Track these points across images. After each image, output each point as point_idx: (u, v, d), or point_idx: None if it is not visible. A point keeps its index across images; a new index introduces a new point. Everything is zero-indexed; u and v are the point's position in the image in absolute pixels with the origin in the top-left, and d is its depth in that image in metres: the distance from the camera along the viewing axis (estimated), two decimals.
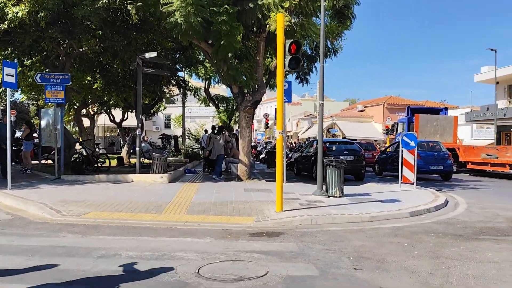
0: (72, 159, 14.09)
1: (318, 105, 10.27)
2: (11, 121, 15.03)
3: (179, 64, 19.05)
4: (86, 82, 18.88)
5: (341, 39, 13.69)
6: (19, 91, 23.47)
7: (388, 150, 18.88)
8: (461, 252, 5.32)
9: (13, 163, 12.61)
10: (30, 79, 17.16)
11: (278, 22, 7.49)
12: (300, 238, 5.94)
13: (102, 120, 40.63)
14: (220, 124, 25.96)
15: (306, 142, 26.42)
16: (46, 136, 14.36)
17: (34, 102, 29.27)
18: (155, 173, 12.70)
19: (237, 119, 21.91)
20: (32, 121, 26.97)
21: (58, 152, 12.73)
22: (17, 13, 9.94)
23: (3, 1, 10.29)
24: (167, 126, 56.78)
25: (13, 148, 13.29)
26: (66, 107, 23.32)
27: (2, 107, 31.65)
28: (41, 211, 7.61)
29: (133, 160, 16.71)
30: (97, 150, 19.23)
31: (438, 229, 6.77)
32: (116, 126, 29.20)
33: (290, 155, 18.95)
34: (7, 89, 9.97)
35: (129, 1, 11.40)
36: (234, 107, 25.49)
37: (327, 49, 13.54)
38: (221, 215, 7.42)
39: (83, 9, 10.67)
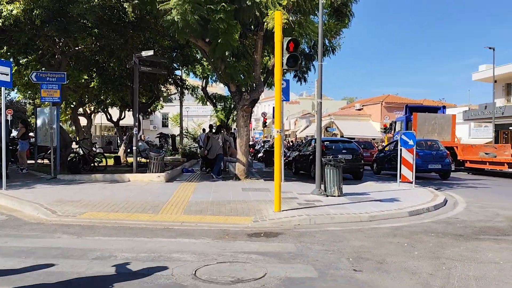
0: (69, 159, 13.98)
1: (316, 104, 10.20)
2: (8, 120, 14.95)
3: (176, 62, 18.95)
4: (83, 81, 18.78)
5: (340, 38, 13.63)
6: (15, 90, 23.35)
7: (386, 149, 18.83)
8: (461, 252, 5.26)
9: (9, 162, 12.49)
10: (26, 78, 17.05)
11: (276, 19, 7.41)
12: (298, 239, 5.87)
13: (99, 119, 40.52)
14: (218, 123, 25.89)
15: (304, 141, 26.38)
16: (42, 136, 14.25)
17: (30, 101, 29.12)
18: (152, 172, 12.60)
19: (235, 118, 21.84)
20: (29, 120, 26.89)
21: (54, 152, 12.62)
22: (11, 11, 9.82)
23: None
24: (164, 125, 56.64)
25: (10, 147, 13.16)
26: (62, 106, 23.22)
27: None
28: (36, 211, 7.51)
29: (130, 160, 16.59)
30: (94, 149, 19.14)
31: (438, 228, 6.71)
32: (113, 125, 29.09)
33: (288, 154, 18.88)
34: (2, 88, 9.83)
35: None
36: (232, 106, 25.37)
37: (325, 48, 13.48)
38: (218, 215, 7.34)
39: (79, 7, 10.56)
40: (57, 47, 13.71)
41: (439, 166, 15.96)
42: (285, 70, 8.08)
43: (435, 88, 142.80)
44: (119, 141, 27.86)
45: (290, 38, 7.80)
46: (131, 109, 18.07)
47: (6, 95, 29.25)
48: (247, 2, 10.61)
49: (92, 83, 18.64)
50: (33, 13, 10.13)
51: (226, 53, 11.50)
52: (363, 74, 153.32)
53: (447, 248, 5.44)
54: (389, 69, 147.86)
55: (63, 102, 20.59)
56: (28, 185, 10.72)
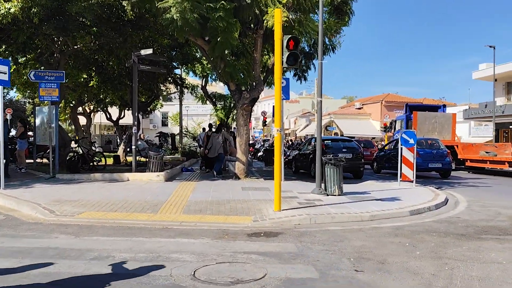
0: (68, 158, 13.91)
1: (317, 102, 10.13)
2: (7, 119, 14.90)
3: (175, 61, 18.88)
4: (82, 80, 18.72)
5: (340, 36, 13.56)
6: (14, 89, 23.29)
7: (386, 147, 18.77)
8: (464, 252, 5.19)
9: (8, 162, 12.43)
10: (25, 77, 16.99)
11: (276, 17, 7.33)
12: (299, 238, 5.81)
13: (99, 118, 40.48)
14: (217, 122, 25.83)
15: (303, 140, 26.33)
16: (41, 135, 14.20)
17: (30, 101, 29.06)
18: (152, 171, 12.54)
19: (234, 117, 21.78)
20: (28, 119, 26.80)
21: (53, 151, 12.56)
22: (9, 9, 9.74)
23: None
24: (164, 124, 56.59)
25: (9, 146, 13.10)
26: (62, 105, 23.16)
27: None
28: (34, 211, 7.44)
29: (129, 159, 16.53)
30: (93, 148, 19.06)
31: (440, 228, 6.65)
32: (112, 124, 29.04)
33: (288, 153, 18.82)
34: (0, 87, 9.76)
35: None
36: (232, 104, 25.33)
37: (325, 46, 13.41)
38: (218, 214, 7.27)
39: (77, 5, 10.49)
40: (56, 45, 13.64)
41: (440, 165, 15.90)
42: (285, 69, 8.02)
43: (434, 88, 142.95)
44: (118, 140, 27.80)
45: (290, 36, 7.73)
46: (130, 108, 18.03)
47: (5, 94, 29.16)
48: (247, 0, 10.53)
49: (91, 82, 18.57)
50: (31, 11, 10.06)
51: (226, 52, 11.43)
52: (363, 73, 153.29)
53: (449, 248, 5.37)
54: (388, 68, 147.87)
55: (62, 101, 20.54)
56: (26, 184, 10.65)
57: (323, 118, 35.42)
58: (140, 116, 26.46)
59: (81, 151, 14.18)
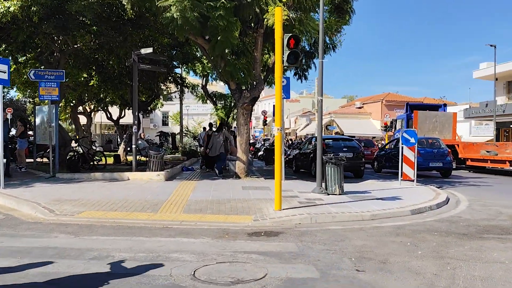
0: (68, 157, 13.88)
1: (317, 101, 10.10)
2: (8, 119, 14.88)
3: (176, 60, 18.84)
4: (82, 79, 18.68)
5: (340, 35, 13.52)
6: (15, 89, 23.26)
7: (387, 147, 18.74)
8: (466, 251, 5.16)
9: (9, 161, 12.41)
10: (25, 77, 16.94)
11: (277, 15, 7.30)
12: (299, 238, 5.78)
13: (99, 117, 40.45)
14: (218, 122, 25.80)
15: (303, 139, 26.28)
16: (41, 134, 14.17)
17: (30, 100, 29.04)
18: (152, 171, 12.51)
19: (235, 116, 21.74)
20: (29, 119, 26.77)
21: (53, 150, 12.54)
22: (8, 7, 9.71)
23: None
24: (164, 123, 56.58)
25: (9, 146, 13.08)
26: (62, 104, 23.13)
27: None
28: (33, 210, 7.42)
29: (130, 158, 16.50)
30: (93, 147, 19.03)
31: (441, 227, 6.62)
32: (113, 123, 29.00)
33: (288, 152, 18.79)
34: (0, 86, 9.73)
35: None
36: (232, 104, 25.29)
37: (325, 45, 13.36)
38: (218, 214, 7.24)
39: (77, 3, 10.45)
40: (56, 45, 13.61)
41: (440, 164, 15.87)
42: (285, 67, 7.99)
43: (435, 87, 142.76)
44: (119, 140, 27.77)
45: (290, 34, 7.70)
46: (131, 108, 17.99)
47: (5, 93, 29.11)
48: None
49: (92, 81, 18.54)
50: (31, 10, 10.03)
51: (226, 51, 11.38)
52: (363, 73, 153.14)
53: (451, 248, 5.34)
54: (389, 68, 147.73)
55: (62, 101, 20.51)
56: (26, 183, 10.63)
57: (324, 117, 35.41)
58: (141, 116, 26.41)
59: (81, 151, 14.16)
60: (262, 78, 13.52)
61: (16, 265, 4.40)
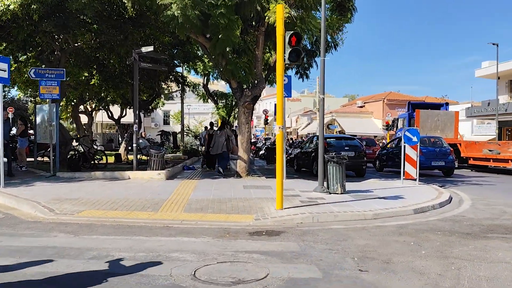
0: (68, 156, 13.85)
1: (319, 100, 10.03)
2: (9, 118, 14.84)
3: (177, 59, 18.78)
4: (83, 78, 18.64)
5: (342, 33, 13.43)
6: (15, 88, 23.24)
7: (389, 146, 18.66)
8: (470, 251, 5.09)
9: (10, 160, 12.38)
10: (26, 76, 16.89)
11: (278, 13, 7.22)
12: (301, 237, 5.71)
13: (101, 117, 40.43)
14: (219, 121, 25.74)
15: (305, 139, 26.21)
16: (42, 133, 14.12)
17: (32, 99, 29.02)
18: (153, 170, 12.45)
19: (236, 115, 21.67)
20: (30, 118, 26.73)
21: (53, 149, 12.49)
22: (8, 5, 9.65)
23: None
24: (166, 122, 56.59)
25: (10, 145, 13.04)
26: (63, 103, 23.09)
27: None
28: (33, 209, 7.37)
29: (131, 157, 16.47)
30: (94, 146, 18.98)
31: (444, 226, 6.54)
32: (114, 123, 28.97)
33: (289, 151, 18.72)
34: (0, 84, 9.68)
35: None
36: (233, 103, 25.24)
37: (327, 43, 13.27)
38: (219, 213, 7.18)
39: (77, 1, 10.38)
40: (56, 43, 13.55)
41: (443, 163, 15.79)
42: (287, 65, 7.90)
43: (435, 87, 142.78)
44: (120, 139, 27.75)
45: (292, 32, 7.62)
46: (132, 107, 17.94)
47: (6, 92, 29.09)
48: None
49: (93, 80, 18.49)
50: (31, 8, 9.97)
51: (227, 49, 11.31)
52: (364, 72, 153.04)
53: (455, 247, 5.27)
54: (389, 68, 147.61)
55: (63, 100, 20.46)
56: (26, 182, 10.58)
57: (325, 116, 35.31)
58: (142, 115, 26.37)
59: (82, 150, 14.12)
60: (264, 76, 13.45)
61: (14, 264, 4.35)
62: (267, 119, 34.19)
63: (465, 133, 32.32)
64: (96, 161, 14.48)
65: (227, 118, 26.64)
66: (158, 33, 14.99)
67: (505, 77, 31.07)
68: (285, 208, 7.30)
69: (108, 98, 22.33)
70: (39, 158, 15.78)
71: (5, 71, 9.55)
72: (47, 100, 12.70)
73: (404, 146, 11.65)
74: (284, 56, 7.43)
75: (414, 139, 11.41)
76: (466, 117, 32.86)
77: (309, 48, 15.16)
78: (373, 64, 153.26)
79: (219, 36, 10.64)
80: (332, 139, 16.17)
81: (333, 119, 44.66)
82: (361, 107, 49.15)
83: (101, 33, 13.24)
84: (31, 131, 17.80)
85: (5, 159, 11.38)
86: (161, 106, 33.71)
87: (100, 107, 27.56)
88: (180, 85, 21.69)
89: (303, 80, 19.25)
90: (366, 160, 15.54)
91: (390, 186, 11.03)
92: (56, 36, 13.23)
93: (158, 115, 54.18)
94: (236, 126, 21.34)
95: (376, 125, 44.10)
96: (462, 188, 11.71)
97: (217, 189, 10.00)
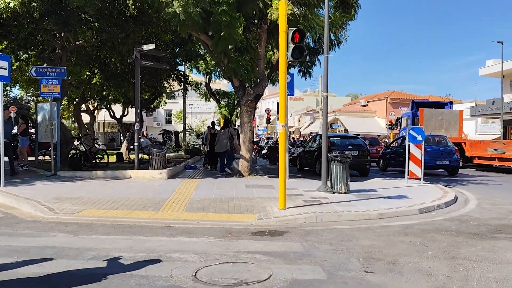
0: (70, 155, 13.77)
1: (322, 98, 9.90)
2: (11, 117, 14.77)
3: (179, 58, 18.67)
4: (85, 77, 18.55)
5: (345, 30, 13.30)
6: (17, 87, 23.19)
7: (392, 145, 18.51)
8: (478, 252, 4.96)
9: (12, 159, 12.31)
10: (27, 74, 16.81)
11: (281, 9, 7.11)
12: (304, 237, 5.60)
13: (103, 116, 40.37)
14: (221, 120, 25.64)
15: (307, 138, 26.08)
16: (43, 132, 14.04)
17: (34, 98, 28.99)
18: (154, 169, 12.36)
19: (238, 114, 21.56)
20: (32, 117, 26.70)
21: (54, 148, 12.41)
22: (9, 3, 9.55)
23: None
24: (168, 122, 56.54)
25: (11, 144, 12.97)
26: (65, 102, 23.02)
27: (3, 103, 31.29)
28: (33, 208, 7.28)
29: (132, 156, 16.38)
30: (96, 145, 18.92)
31: (451, 226, 6.41)
32: (116, 122, 28.90)
33: (292, 151, 18.60)
34: (0, 83, 9.61)
35: None
36: (236, 102, 25.13)
37: (330, 41, 13.14)
38: (221, 212, 7.08)
39: None
40: (58, 41, 13.46)
41: (447, 162, 15.64)
42: (290, 63, 7.80)
43: (439, 86, 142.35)
44: (122, 138, 27.68)
45: (295, 28, 7.49)
46: (134, 106, 17.85)
47: (8, 91, 29.07)
48: None
49: (94, 79, 18.40)
50: (31, 6, 9.87)
51: (229, 47, 11.21)
52: (365, 71, 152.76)
53: (462, 248, 5.14)
54: (390, 67, 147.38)
55: (65, 99, 20.39)
56: (27, 182, 10.51)
57: (328, 115, 35.16)
58: (144, 114, 26.29)
59: (83, 149, 14.04)
60: (266, 75, 13.34)
61: (11, 264, 4.25)
62: (270, 118, 34.05)
63: (469, 132, 32.08)
64: (97, 160, 14.40)
65: (229, 117, 26.54)
66: (160, 31, 14.88)
67: (510, 75, 30.80)
68: (288, 208, 7.19)
69: (110, 97, 22.23)
70: (40, 157, 15.71)
71: (6, 69, 9.47)
72: (48, 99, 12.62)
73: (409, 145, 11.52)
74: (287, 53, 7.31)
75: (419, 137, 11.27)
76: (470, 116, 32.62)
77: (312, 46, 15.04)
78: (374, 63, 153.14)
79: (221, 34, 10.52)
80: (335, 138, 16.02)
81: (336, 118, 44.48)
82: (364, 106, 48.95)
83: (102, 31, 13.14)
84: (32, 130, 17.74)
85: (7, 158, 11.32)
86: (163, 105, 33.66)
87: (102, 106, 27.47)
88: (182, 84, 21.57)
89: (306, 78, 19.15)
90: (370, 159, 15.40)
91: (394, 186, 10.90)
92: (57, 35, 13.14)
93: (160, 114, 54.13)
94: (238, 126, 21.24)
95: (379, 124, 43.90)
96: (467, 187, 11.57)
97: (219, 188, 9.89)
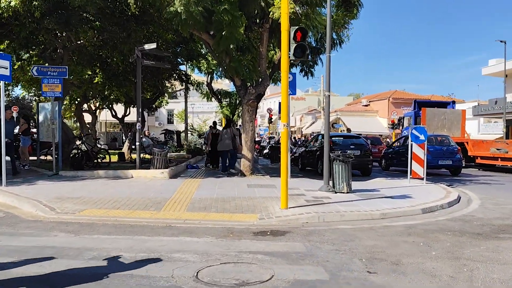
0: (71, 155, 13.76)
1: (324, 97, 9.85)
2: (13, 117, 14.78)
3: (180, 57, 18.64)
4: (86, 76, 18.55)
5: (348, 29, 13.24)
6: (19, 87, 23.21)
7: (395, 144, 18.44)
8: (482, 252, 4.91)
9: (14, 159, 12.30)
10: (29, 74, 16.81)
11: (283, 7, 7.06)
12: (307, 237, 5.55)
13: (105, 115, 40.42)
14: (223, 120, 25.63)
15: (309, 137, 26.02)
16: (44, 131, 14.04)
17: (36, 98, 29.02)
18: (156, 168, 12.33)
19: (240, 114, 21.52)
20: (35, 117, 26.72)
21: (56, 148, 12.40)
22: (10, 2, 9.53)
23: None
24: (170, 121, 56.57)
25: (14, 144, 12.96)
26: (67, 102, 23.03)
27: (5, 103, 31.33)
28: (34, 208, 7.25)
29: (134, 156, 16.36)
30: (97, 145, 18.92)
31: (454, 227, 6.36)
32: (118, 121, 28.91)
33: (294, 150, 18.55)
34: (1, 82, 9.59)
35: None
36: (237, 101, 25.08)
37: (332, 40, 13.08)
38: (223, 212, 7.04)
39: None
40: (59, 41, 13.45)
41: (450, 162, 15.56)
42: (292, 61, 7.75)
43: (440, 86, 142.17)
44: (124, 138, 27.66)
45: (297, 27, 7.45)
46: (135, 105, 17.83)
47: (10, 91, 29.10)
48: None
49: (96, 78, 18.39)
50: (32, 5, 9.84)
51: (231, 46, 11.17)
52: (367, 71, 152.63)
53: (466, 248, 5.09)
54: (391, 67, 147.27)
55: (67, 98, 20.40)
56: (29, 181, 10.49)
57: (330, 115, 35.03)
58: (146, 113, 26.29)
59: (85, 148, 14.02)
60: (268, 74, 13.29)
61: (10, 263, 4.22)
62: (271, 118, 34.00)
63: (472, 132, 31.95)
64: (99, 160, 14.39)
65: (231, 117, 26.50)
66: (161, 30, 14.85)
67: None
68: (290, 208, 7.14)
69: (112, 97, 22.23)
70: (42, 157, 15.71)
71: (7, 68, 9.45)
72: (50, 98, 12.61)
73: (411, 145, 11.45)
74: (289, 52, 7.26)
75: (422, 137, 11.21)
76: (472, 115, 32.49)
77: (314, 45, 14.98)
78: (376, 62, 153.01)
79: (223, 33, 10.48)
80: (337, 138, 15.97)
81: (338, 118, 44.38)
82: (366, 105, 48.82)
83: (103, 30, 13.11)
84: (34, 130, 17.74)
85: (9, 158, 11.32)
86: (165, 105, 33.63)
87: (104, 106, 27.48)
88: (183, 83, 21.55)
89: (308, 78, 19.12)
90: (372, 159, 15.34)
91: (397, 185, 10.84)
92: (58, 34, 13.13)
93: (162, 114, 54.18)
94: (240, 125, 21.20)
95: (381, 124, 43.78)
96: (470, 187, 11.50)
97: (220, 188, 9.86)
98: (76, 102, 22.97)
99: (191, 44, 17.26)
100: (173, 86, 25.80)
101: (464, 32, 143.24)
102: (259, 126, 52.53)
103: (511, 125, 30.27)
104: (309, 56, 14.62)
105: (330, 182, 9.30)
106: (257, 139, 28.12)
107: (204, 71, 25.32)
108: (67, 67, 12.52)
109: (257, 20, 12.10)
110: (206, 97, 29.13)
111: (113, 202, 7.74)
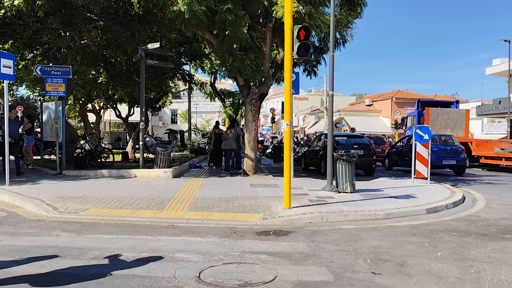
0: (75, 154, 13.77)
1: (328, 96, 9.80)
2: (18, 116, 14.80)
3: (184, 57, 18.62)
4: (90, 76, 18.57)
5: (351, 28, 13.16)
6: (24, 86, 23.26)
7: (398, 144, 18.35)
8: (488, 253, 4.85)
9: (18, 159, 12.31)
10: (34, 74, 16.83)
11: (286, 6, 7.01)
12: (310, 238, 5.51)
13: (109, 115, 40.47)
14: (226, 120, 25.58)
15: (311, 137, 25.95)
16: (48, 131, 14.04)
17: (41, 98, 29.10)
18: (159, 168, 12.32)
19: (243, 113, 21.49)
20: (39, 116, 26.78)
21: (60, 147, 12.41)
22: (13, 1, 9.53)
23: None
24: (173, 121, 56.58)
25: (18, 143, 12.97)
26: (71, 102, 23.06)
27: (10, 103, 31.39)
28: (37, 208, 7.24)
29: (138, 155, 16.35)
30: (101, 145, 18.94)
31: (459, 227, 6.29)
32: (122, 121, 28.94)
33: (297, 150, 18.49)
34: (5, 81, 9.60)
35: None
36: (240, 101, 25.05)
37: (335, 39, 13.01)
38: (225, 212, 7.00)
39: None
40: (63, 40, 13.46)
41: (454, 162, 15.48)
42: (295, 60, 7.69)
43: (444, 85, 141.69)
44: (128, 137, 27.68)
45: (301, 25, 7.41)
46: (139, 105, 17.81)
47: (15, 91, 29.21)
48: None
49: (100, 78, 18.40)
50: (36, 4, 9.84)
51: (234, 46, 11.12)
52: (370, 70, 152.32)
53: (472, 249, 5.03)
54: (394, 66, 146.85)
55: (71, 98, 20.42)
56: (32, 180, 10.50)
57: (333, 114, 34.88)
58: (149, 113, 26.28)
59: (88, 148, 14.03)
60: (271, 74, 13.24)
61: (13, 263, 4.20)
62: (274, 118, 33.95)
63: (475, 131, 31.76)
64: (102, 159, 14.40)
65: (234, 117, 26.47)
66: (165, 30, 14.82)
67: None
68: (293, 207, 7.10)
69: (116, 97, 22.23)
70: (46, 156, 15.73)
71: (10, 67, 9.46)
72: (54, 98, 12.62)
73: (415, 144, 11.38)
74: (293, 51, 7.22)
75: (426, 137, 11.13)
76: (476, 115, 32.29)
77: (317, 45, 14.91)
78: (379, 62, 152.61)
79: (226, 33, 10.45)
80: (341, 137, 15.90)
81: (341, 117, 44.26)
82: (369, 105, 48.67)
83: (107, 30, 13.09)
84: (38, 129, 17.78)
85: (13, 157, 11.33)
86: (169, 104, 33.62)
87: (108, 106, 27.51)
88: (187, 83, 21.54)
89: (311, 77, 19.08)
90: (376, 158, 15.26)
91: (400, 185, 10.77)
92: (62, 33, 13.13)
93: (165, 114, 54.19)
94: (243, 125, 21.18)
95: (384, 124, 43.63)
96: (475, 187, 11.41)
97: (223, 187, 9.82)
98: (80, 102, 23.00)
99: (195, 44, 17.24)
100: (176, 86, 25.79)
101: (467, 32, 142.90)
102: (262, 126, 52.50)
103: None
104: (312, 56, 14.56)
105: (334, 182, 9.25)
106: (260, 138, 28.06)
107: (208, 71, 25.29)
108: (70, 66, 12.53)
109: (261, 20, 12.05)
110: (209, 97, 29.13)
111: (116, 202, 7.72)
